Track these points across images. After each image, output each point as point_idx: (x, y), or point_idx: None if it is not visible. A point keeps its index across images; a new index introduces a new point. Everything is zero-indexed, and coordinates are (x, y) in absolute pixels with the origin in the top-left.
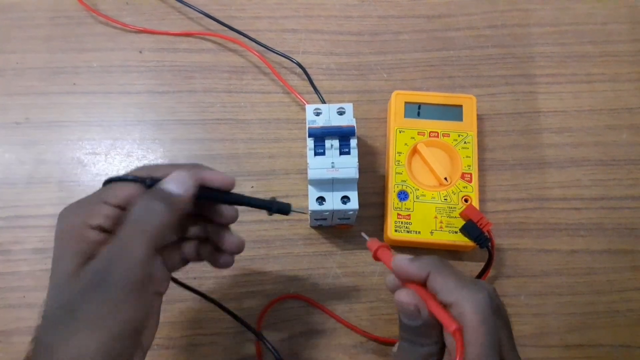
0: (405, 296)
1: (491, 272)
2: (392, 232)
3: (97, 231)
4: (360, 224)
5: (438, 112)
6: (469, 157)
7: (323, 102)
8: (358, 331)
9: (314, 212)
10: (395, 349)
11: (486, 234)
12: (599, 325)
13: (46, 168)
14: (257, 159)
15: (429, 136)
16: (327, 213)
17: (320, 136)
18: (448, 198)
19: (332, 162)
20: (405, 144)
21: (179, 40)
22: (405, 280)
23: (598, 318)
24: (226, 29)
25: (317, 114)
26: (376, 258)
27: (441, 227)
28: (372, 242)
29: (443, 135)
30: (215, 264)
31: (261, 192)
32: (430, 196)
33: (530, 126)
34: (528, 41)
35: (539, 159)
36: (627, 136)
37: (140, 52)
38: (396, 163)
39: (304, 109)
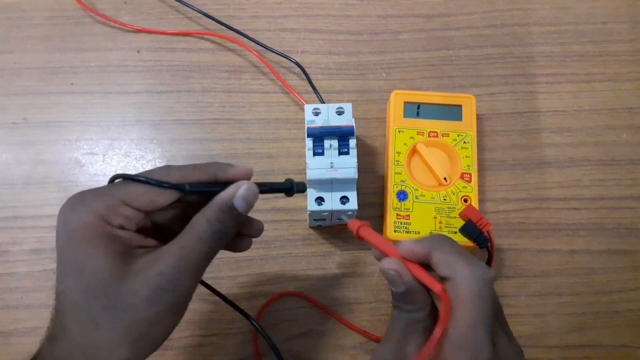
0: (387, 263)
1: None
2: (391, 232)
3: (124, 230)
4: None
5: (437, 111)
6: (469, 157)
7: (322, 101)
8: (358, 331)
9: (313, 212)
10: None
11: (486, 234)
12: (599, 326)
13: (44, 168)
14: (255, 159)
15: (429, 136)
16: (326, 213)
17: (319, 136)
18: (447, 198)
19: (331, 162)
20: (405, 144)
21: (177, 39)
22: (412, 261)
23: (598, 318)
24: (225, 28)
25: (316, 114)
26: (359, 237)
27: (440, 227)
28: (353, 223)
29: (442, 135)
30: (235, 249)
31: None
32: (430, 196)
33: (530, 126)
34: (528, 41)
35: (539, 158)
36: (627, 136)
37: (139, 51)
38: (395, 163)
39: (302, 109)
